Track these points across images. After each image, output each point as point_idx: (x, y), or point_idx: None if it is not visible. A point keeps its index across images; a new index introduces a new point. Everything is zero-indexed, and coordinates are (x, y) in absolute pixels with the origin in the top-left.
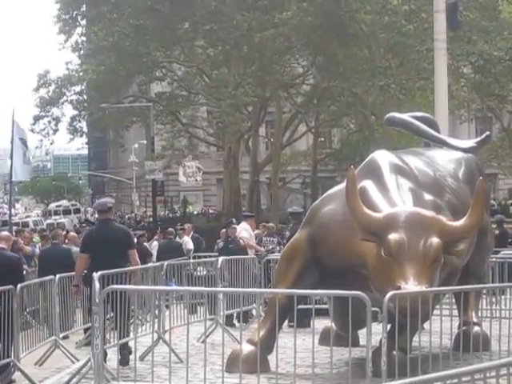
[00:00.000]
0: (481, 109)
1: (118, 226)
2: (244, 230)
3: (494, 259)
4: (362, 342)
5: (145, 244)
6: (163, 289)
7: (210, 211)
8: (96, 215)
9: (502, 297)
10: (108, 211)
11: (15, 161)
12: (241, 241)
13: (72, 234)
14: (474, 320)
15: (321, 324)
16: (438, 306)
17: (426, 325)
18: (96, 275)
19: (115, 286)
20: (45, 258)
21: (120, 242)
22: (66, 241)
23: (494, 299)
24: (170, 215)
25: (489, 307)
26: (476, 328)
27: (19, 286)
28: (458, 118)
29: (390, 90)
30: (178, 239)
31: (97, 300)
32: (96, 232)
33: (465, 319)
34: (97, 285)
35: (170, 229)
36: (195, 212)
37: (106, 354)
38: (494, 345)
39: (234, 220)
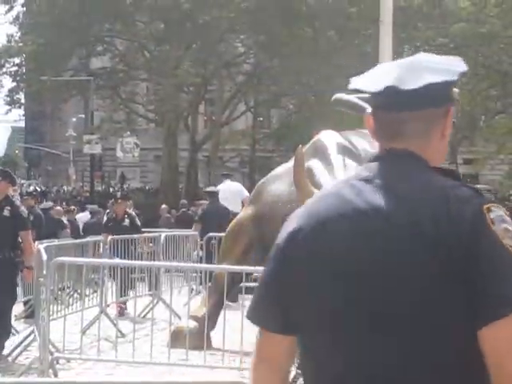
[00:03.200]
0: None
1: None
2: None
3: None
4: None
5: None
6: (107, 262)
7: (147, 188)
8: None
9: None
10: None
11: None
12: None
13: None
14: None
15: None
16: None
17: None
18: (42, 246)
19: (63, 258)
20: None
21: None
22: None
23: None
24: (110, 189)
25: None
26: None
27: None
28: None
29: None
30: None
31: (44, 272)
32: None
33: None
34: (44, 256)
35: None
36: (132, 187)
37: None
38: None
39: (118, 195)
